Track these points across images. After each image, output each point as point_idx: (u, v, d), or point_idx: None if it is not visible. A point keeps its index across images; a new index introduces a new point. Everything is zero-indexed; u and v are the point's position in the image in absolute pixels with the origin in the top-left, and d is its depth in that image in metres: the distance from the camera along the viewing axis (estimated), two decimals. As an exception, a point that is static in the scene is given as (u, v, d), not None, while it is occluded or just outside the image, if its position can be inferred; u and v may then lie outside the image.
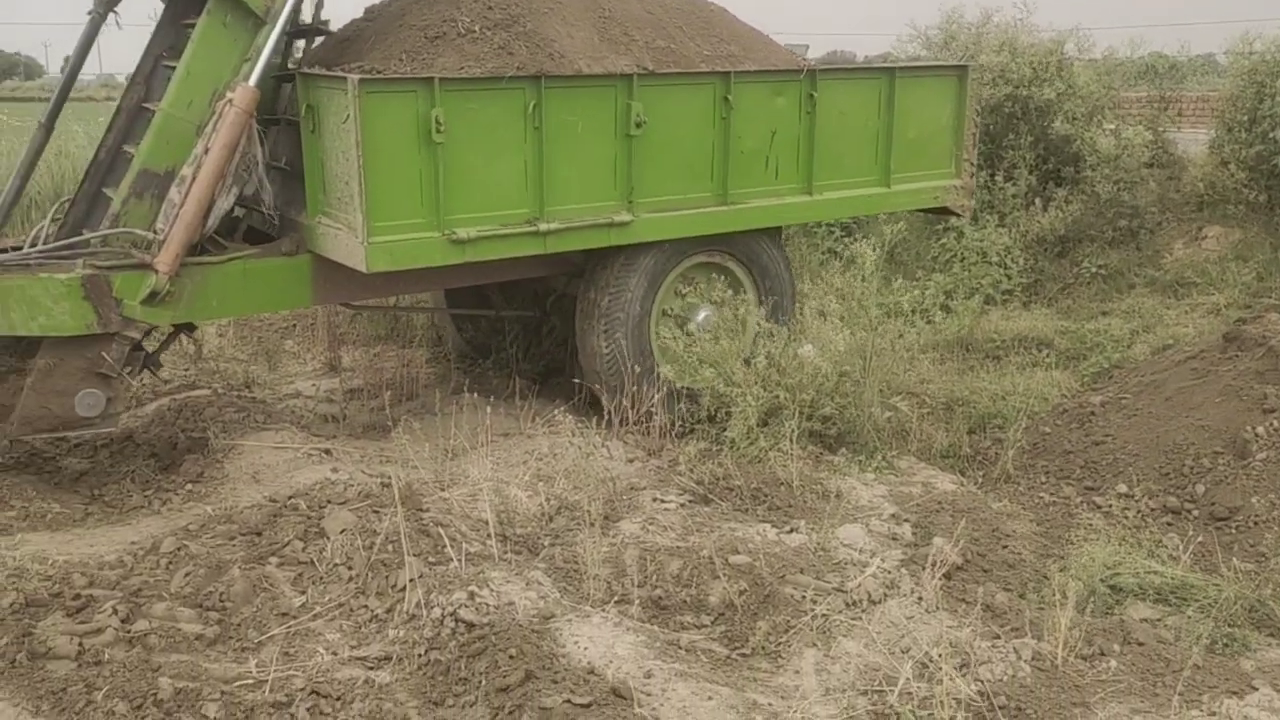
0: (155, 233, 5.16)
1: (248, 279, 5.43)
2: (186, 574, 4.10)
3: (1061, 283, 10.38)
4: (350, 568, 4.17)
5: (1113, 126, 11.22)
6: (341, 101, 5.09)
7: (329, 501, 4.64)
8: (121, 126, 5.82)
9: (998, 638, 3.93)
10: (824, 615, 4.05)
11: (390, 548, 4.20)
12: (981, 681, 3.58)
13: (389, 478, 4.83)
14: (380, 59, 5.43)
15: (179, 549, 4.29)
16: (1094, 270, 10.26)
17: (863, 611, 4.11)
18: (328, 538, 4.33)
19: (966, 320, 9.15)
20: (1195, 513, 5.40)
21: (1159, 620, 4.33)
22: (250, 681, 3.53)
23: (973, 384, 7.64)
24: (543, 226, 5.56)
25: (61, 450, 5.70)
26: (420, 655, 3.64)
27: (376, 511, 4.50)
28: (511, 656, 3.51)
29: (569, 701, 3.30)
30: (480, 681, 3.46)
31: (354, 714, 3.38)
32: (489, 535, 4.47)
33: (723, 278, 6.52)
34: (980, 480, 6.16)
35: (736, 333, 6.23)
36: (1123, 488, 5.69)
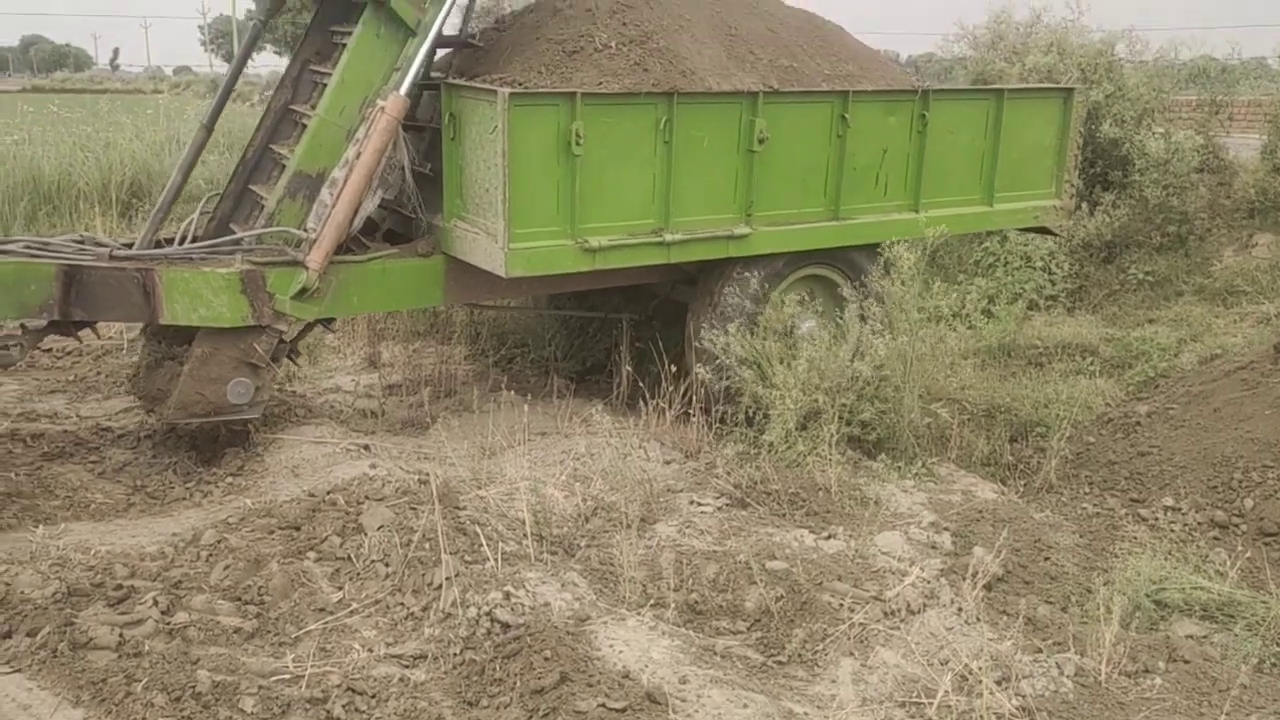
0: (307, 231, 5.42)
1: (386, 278, 5.70)
2: (226, 567, 4.12)
3: (1107, 289, 10.22)
4: (387, 564, 4.18)
5: (1162, 130, 11.03)
6: (488, 113, 5.28)
7: (367, 497, 4.65)
8: (269, 127, 6.10)
9: (1039, 651, 3.87)
10: (861, 624, 4.01)
11: (427, 545, 4.21)
12: (1023, 696, 3.53)
13: (427, 475, 4.83)
14: (520, 70, 5.63)
15: (219, 541, 4.32)
16: (1141, 276, 10.09)
17: (901, 621, 4.06)
18: (365, 534, 4.35)
19: (1009, 326, 9.03)
20: (1243, 527, 5.29)
21: (1205, 638, 4.24)
22: (287, 676, 3.55)
23: (1015, 391, 7.53)
24: (667, 237, 5.74)
25: (106, 440, 5.77)
26: (455, 655, 3.64)
27: (414, 508, 4.50)
28: (546, 658, 3.50)
29: (603, 706, 3.28)
30: (515, 683, 3.45)
31: (389, 712, 3.38)
32: (525, 535, 4.47)
33: (828, 290, 6.63)
34: (1022, 489, 6.07)
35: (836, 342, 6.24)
36: (1169, 500, 5.59)
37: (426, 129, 6.09)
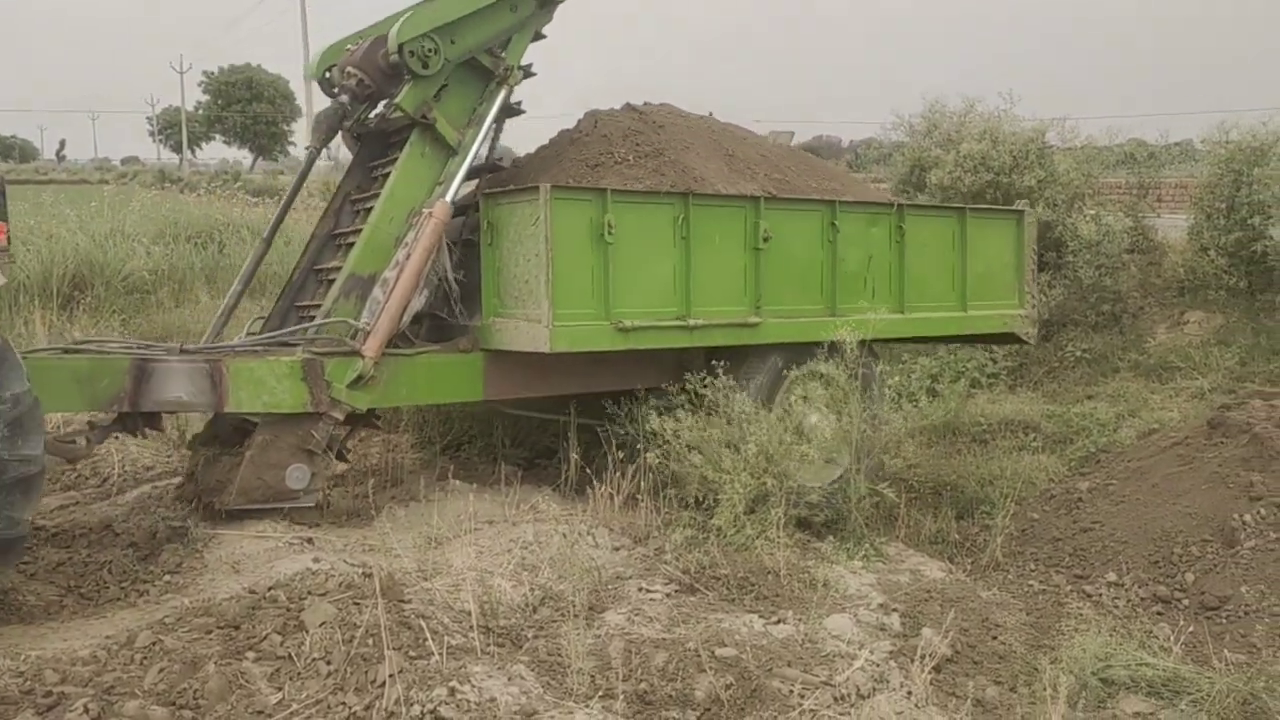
0: (363, 325, 5.92)
1: (432, 371, 6.18)
2: (161, 670, 4.00)
3: (1046, 366, 10.44)
4: (329, 662, 4.07)
5: (1093, 212, 11.40)
6: (528, 210, 5.87)
7: (309, 593, 4.55)
8: (314, 251, 6.83)
9: (989, 734, 3.86)
10: (812, 710, 3.98)
11: (370, 641, 4.12)
12: (973, 781, 3.51)
13: (370, 568, 4.76)
14: (549, 181, 6.08)
15: (154, 643, 4.19)
16: (1078, 354, 10.33)
17: (851, 706, 4.04)
18: (307, 631, 4.25)
19: (952, 404, 9.18)
20: (1185, 602, 5.36)
21: (1152, 714, 4.25)
22: (223, 783, 3.43)
23: (960, 468, 7.63)
24: (691, 322, 6.23)
25: (39, 539, 5.61)
26: (399, 755, 3.55)
27: (358, 603, 4.42)
28: (492, 756, 3.43)
29: (550, 804, 3.21)
30: (459, 783, 3.36)
31: (329, 817, 3.27)
32: (471, 627, 4.40)
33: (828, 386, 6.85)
34: (969, 567, 6.11)
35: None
36: (1112, 576, 5.66)
37: (458, 243, 6.51)
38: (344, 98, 6.59)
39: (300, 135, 56.81)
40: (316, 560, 5.09)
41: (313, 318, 6.33)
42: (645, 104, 7.29)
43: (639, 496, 6.03)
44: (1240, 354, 9.57)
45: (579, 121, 7.08)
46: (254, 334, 6.52)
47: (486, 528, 5.84)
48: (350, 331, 5.94)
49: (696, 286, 6.26)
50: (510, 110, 6.71)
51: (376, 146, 6.84)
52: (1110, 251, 10.79)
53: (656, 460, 6.09)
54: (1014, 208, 8.29)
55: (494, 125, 6.60)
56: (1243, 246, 10.29)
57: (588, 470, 6.40)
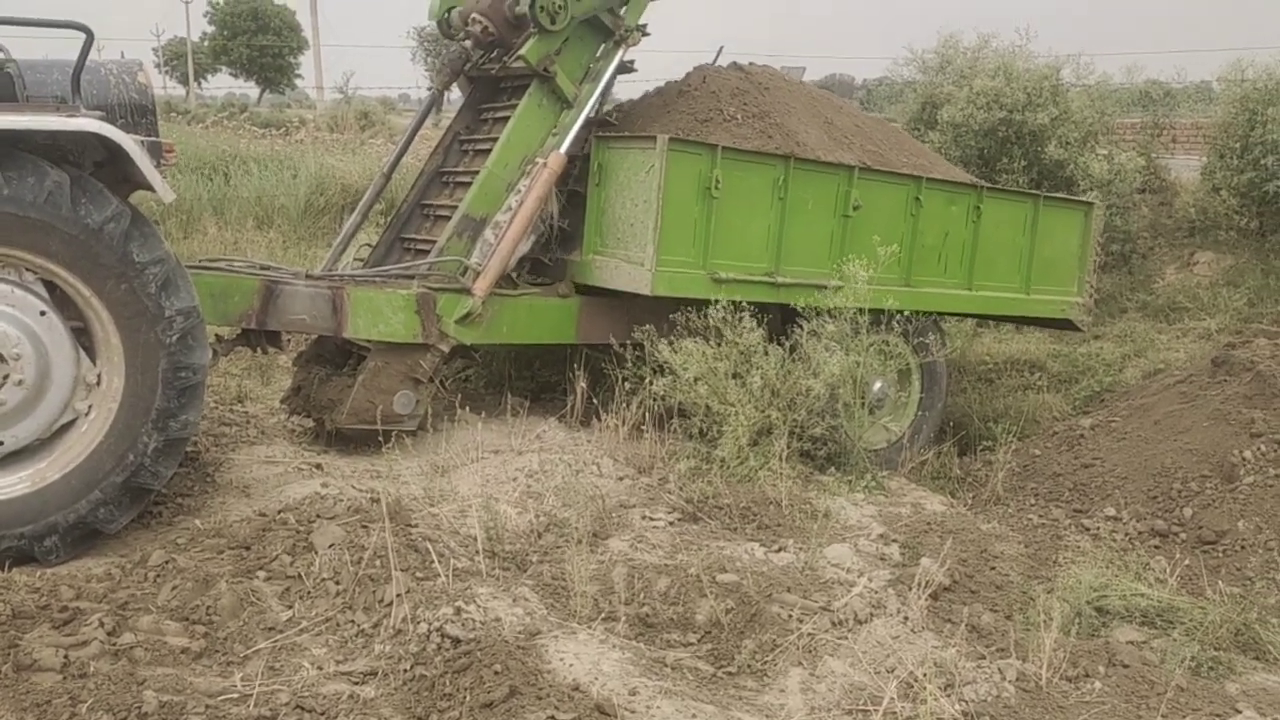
0: (475, 264, 6.20)
1: (532, 313, 6.50)
2: (174, 587, 4.09)
3: (1054, 306, 10.40)
4: (338, 582, 4.16)
5: (1106, 152, 11.29)
6: (641, 158, 6.18)
7: (318, 516, 4.63)
8: (421, 187, 7.10)
9: (983, 658, 3.94)
10: (810, 634, 4.06)
11: (378, 563, 4.20)
12: (965, 701, 3.59)
13: (378, 493, 4.83)
14: (660, 132, 6.29)
15: (167, 562, 4.29)
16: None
17: (849, 631, 4.11)
18: (316, 552, 4.33)
19: (959, 342, 9.19)
20: (1183, 536, 5.42)
21: (1145, 643, 4.33)
22: (235, 696, 3.52)
23: (964, 406, 7.66)
24: (779, 279, 6.49)
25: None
26: (405, 670, 3.64)
27: (365, 526, 4.50)
28: (496, 672, 3.51)
29: (553, 718, 3.30)
30: (464, 697, 3.45)
31: (338, 729, 3.37)
32: (477, 551, 4.48)
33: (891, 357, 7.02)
34: (970, 502, 6.18)
35: (902, 406, 7.10)
36: (1111, 510, 5.72)
37: (564, 191, 6.71)
38: (467, 43, 6.86)
39: (307, 68, 56.15)
40: (325, 485, 5.17)
41: (419, 250, 6.61)
42: (750, 64, 7.51)
43: (644, 428, 6.08)
44: (1249, 295, 9.56)
45: (688, 75, 7.29)
46: (362, 260, 6.83)
47: (493, 457, 5.91)
48: (461, 269, 6.21)
49: (786, 246, 6.51)
50: (623, 67, 6.90)
51: (488, 90, 7.10)
52: (1122, 191, 10.72)
53: (663, 391, 6.14)
54: (1086, 199, 8.50)
55: (609, 81, 6.77)
56: (1255, 187, 10.21)
57: (594, 401, 6.45)
